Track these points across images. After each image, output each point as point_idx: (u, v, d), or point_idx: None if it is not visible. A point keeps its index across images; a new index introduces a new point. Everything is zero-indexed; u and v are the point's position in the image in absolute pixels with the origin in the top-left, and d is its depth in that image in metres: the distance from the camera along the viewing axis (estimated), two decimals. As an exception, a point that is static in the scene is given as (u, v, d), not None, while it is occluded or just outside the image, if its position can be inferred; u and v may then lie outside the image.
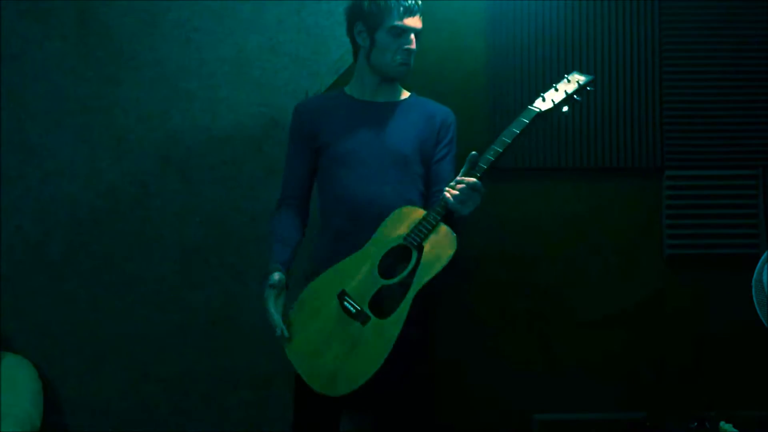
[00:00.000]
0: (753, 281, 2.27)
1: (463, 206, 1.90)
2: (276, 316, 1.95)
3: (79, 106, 2.64)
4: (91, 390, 2.62)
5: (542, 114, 1.99)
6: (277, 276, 1.99)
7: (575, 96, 2.02)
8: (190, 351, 2.64)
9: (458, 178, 1.91)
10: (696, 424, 2.30)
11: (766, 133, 2.58)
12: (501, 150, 1.93)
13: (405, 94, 2.20)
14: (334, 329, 1.91)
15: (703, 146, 2.58)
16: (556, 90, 2.03)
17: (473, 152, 1.92)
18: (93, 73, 2.65)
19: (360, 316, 1.89)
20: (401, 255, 1.94)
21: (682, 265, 2.58)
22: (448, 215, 1.94)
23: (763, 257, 2.27)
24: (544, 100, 2.01)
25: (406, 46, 2.06)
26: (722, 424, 2.26)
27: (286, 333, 1.94)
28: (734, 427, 2.24)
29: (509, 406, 2.54)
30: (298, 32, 2.64)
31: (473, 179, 1.89)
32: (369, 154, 2.07)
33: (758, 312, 2.25)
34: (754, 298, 2.26)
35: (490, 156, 1.93)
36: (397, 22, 2.03)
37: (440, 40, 2.55)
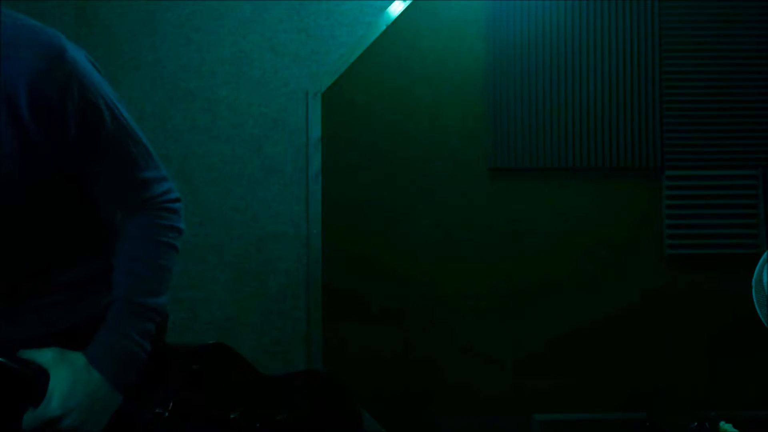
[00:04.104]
0: (753, 281, 2.26)
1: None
2: None
3: (79, 106, 2.64)
4: (90, 390, 2.62)
5: None
6: None
7: None
8: (190, 351, 2.64)
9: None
10: (696, 424, 2.30)
11: (766, 133, 2.58)
12: None
13: None
14: None
15: (703, 146, 2.58)
16: None
17: None
18: (93, 73, 2.65)
19: None
20: None
21: (682, 265, 2.58)
22: None
23: (763, 257, 2.27)
24: None
25: None
26: (722, 424, 2.26)
27: None
28: (734, 427, 2.24)
29: (509, 406, 2.54)
30: (298, 32, 2.64)
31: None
32: None
33: (758, 312, 2.24)
34: (754, 298, 2.26)
35: None
36: None
37: (440, 40, 2.55)
